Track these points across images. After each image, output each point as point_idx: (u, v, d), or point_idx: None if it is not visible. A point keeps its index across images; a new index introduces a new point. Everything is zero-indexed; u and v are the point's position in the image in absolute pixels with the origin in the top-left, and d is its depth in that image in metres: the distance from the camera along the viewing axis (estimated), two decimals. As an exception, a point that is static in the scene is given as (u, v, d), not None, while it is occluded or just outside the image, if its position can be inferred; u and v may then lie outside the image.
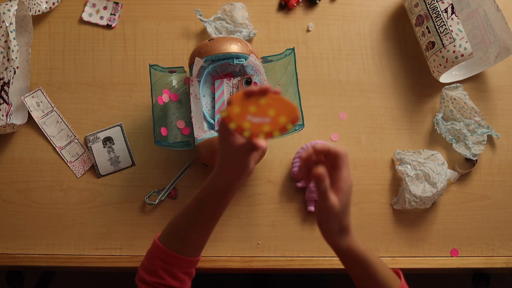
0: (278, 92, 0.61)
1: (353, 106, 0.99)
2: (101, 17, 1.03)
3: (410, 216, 0.94)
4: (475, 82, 1.00)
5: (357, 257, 0.70)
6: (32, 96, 0.98)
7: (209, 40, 0.89)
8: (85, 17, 1.03)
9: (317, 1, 1.03)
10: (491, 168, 0.96)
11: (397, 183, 0.95)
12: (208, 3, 1.03)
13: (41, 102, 0.98)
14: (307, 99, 0.98)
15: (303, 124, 0.88)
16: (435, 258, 0.92)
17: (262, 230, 0.93)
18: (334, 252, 0.70)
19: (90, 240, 0.93)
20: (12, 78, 0.91)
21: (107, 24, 1.02)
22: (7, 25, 0.92)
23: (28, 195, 0.94)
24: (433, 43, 0.93)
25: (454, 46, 0.89)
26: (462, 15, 0.97)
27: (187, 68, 0.94)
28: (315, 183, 0.63)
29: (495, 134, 0.95)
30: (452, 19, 0.90)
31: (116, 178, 0.95)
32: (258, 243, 0.93)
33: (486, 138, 0.94)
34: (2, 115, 0.91)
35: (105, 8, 1.03)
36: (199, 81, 0.90)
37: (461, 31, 0.90)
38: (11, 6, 0.93)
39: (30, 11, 0.97)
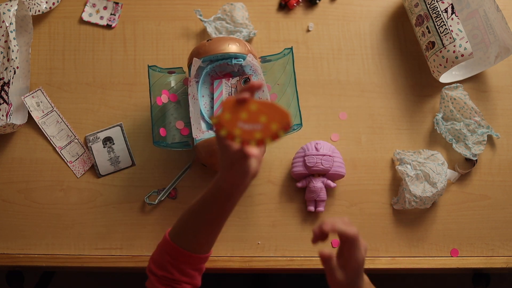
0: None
1: (353, 106, 0.99)
2: (101, 17, 1.03)
3: (410, 216, 0.94)
4: (475, 82, 1.00)
5: None
6: (32, 96, 0.98)
7: (207, 41, 0.89)
8: (85, 17, 1.03)
9: (317, 1, 1.03)
10: (491, 168, 0.96)
11: (397, 183, 0.95)
12: (208, 3, 1.03)
13: (41, 102, 0.98)
14: (307, 99, 0.98)
15: (301, 124, 0.88)
16: (435, 258, 0.92)
17: (262, 230, 0.93)
18: None
19: (90, 240, 0.93)
20: (12, 78, 0.91)
21: (107, 24, 1.02)
22: (7, 25, 0.92)
23: (28, 195, 0.94)
24: (433, 43, 0.93)
25: (454, 46, 0.89)
26: (462, 15, 0.97)
27: (186, 69, 0.94)
28: (321, 262, 0.66)
29: (495, 134, 0.95)
30: (452, 19, 0.90)
31: (116, 178, 0.95)
32: (258, 243, 0.93)
33: (486, 138, 0.94)
34: (2, 115, 0.91)
35: (105, 8, 1.03)
36: (197, 82, 0.90)
37: (461, 31, 0.90)
38: (11, 6, 0.93)
39: (30, 11, 0.97)
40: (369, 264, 0.91)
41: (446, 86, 0.95)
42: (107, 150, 0.96)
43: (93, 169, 0.96)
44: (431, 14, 0.92)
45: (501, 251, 0.93)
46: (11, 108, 0.92)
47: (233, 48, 0.87)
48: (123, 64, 1.01)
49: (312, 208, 0.92)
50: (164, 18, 1.03)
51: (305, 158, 0.90)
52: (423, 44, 0.96)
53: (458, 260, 0.92)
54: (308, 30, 1.02)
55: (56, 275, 1.35)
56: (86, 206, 0.94)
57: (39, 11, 0.99)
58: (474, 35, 0.97)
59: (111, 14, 1.03)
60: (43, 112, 0.97)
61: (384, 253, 0.93)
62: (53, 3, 1.02)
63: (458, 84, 0.95)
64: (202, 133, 0.86)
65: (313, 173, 0.91)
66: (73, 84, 1.00)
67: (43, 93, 0.98)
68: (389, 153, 0.96)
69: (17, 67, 0.92)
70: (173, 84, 0.94)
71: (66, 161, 0.96)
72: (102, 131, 0.97)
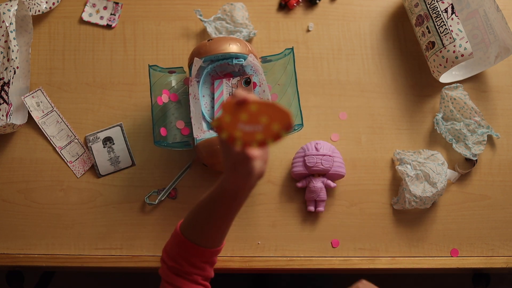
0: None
1: (353, 106, 0.99)
2: (101, 17, 1.03)
3: (410, 216, 0.94)
4: (475, 82, 1.00)
5: None
6: (32, 96, 0.98)
7: (208, 40, 0.89)
8: (85, 17, 1.03)
9: (317, 1, 1.03)
10: (491, 168, 0.96)
11: (397, 183, 0.95)
12: (208, 3, 1.03)
13: (41, 102, 0.98)
14: (307, 99, 0.98)
15: (302, 124, 0.88)
16: (435, 258, 0.92)
17: (262, 230, 0.93)
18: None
19: (90, 240, 0.93)
20: (12, 78, 0.91)
21: (107, 24, 1.02)
22: (7, 25, 0.92)
23: (28, 195, 0.94)
24: (433, 43, 0.93)
25: (454, 46, 0.89)
26: (462, 15, 0.97)
27: (186, 69, 0.94)
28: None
29: (495, 134, 0.95)
30: (452, 19, 0.90)
31: (116, 178, 0.95)
32: (258, 243, 0.93)
33: (486, 138, 0.94)
34: (2, 115, 0.91)
35: (105, 8, 1.03)
36: (198, 81, 0.90)
37: (461, 31, 0.90)
38: (11, 6, 0.93)
39: (30, 11, 0.97)
40: (369, 264, 0.91)
41: (446, 86, 0.95)
42: (107, 150, 0.96)
43: (93, 169, 0.96)
44: (431, 14, 0.92)
45: (501, 251, 0.93)
46: (11, 108, 0.92)
47: (234, 48, 0.87)
48: (123, 64, 1.01)
49: (312, 208, 0.92)
50: (164, 18, 1.03)
51: (305, 158, 0.90)
52: (423, 44, 0.96)
53: (458, 260, 0.92)
54: (308, 30, 1.02)
55: (56, 275, 1.35)
56: (86, 206, 0.94)
57: (39, 11, 0.99)
58: (474, 35, 0.97)
59: (111, 14, 1.03)
60: (43, 112, 0.97)
61: (384, 253, 0.93)
62: (53, 3, 1.02)
63: (458, 84, 0.95)
64: (203, 132, 0.86)
65: (313, 173, 0.91)
66: (73, 84, 1.00)
67: (43, 93, 0.98)
68: (389, 153, 0.96)
69: (17, 67, 0.92)
70: (173, 83, 0.94)
71: (66, 161, 0.96)
72: (102, 131, 0.97)
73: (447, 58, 0.90)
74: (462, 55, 0.89)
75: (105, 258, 0.92)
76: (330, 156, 0.90)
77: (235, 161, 0.62)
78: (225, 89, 0.90)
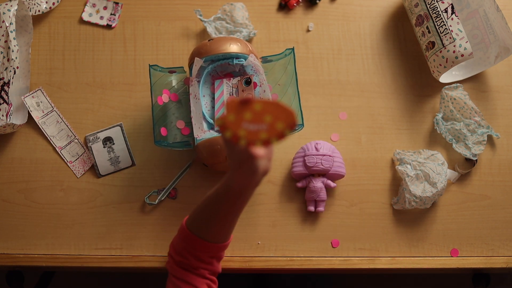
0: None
1: (353, 106, 0.99)
2: (101, 17, 1.03)
3: (410, 216, 0.94)
4: (475, 82, 1.00)
5: None
6: (32, 96, 0.98)
7: (208, 40, 0.89)
8: (85, 17, 1.03)
9: (317, 1, 1.03)
10: (491, 168, 0.96)
11: (397, 183, 0.95)
12: (208, 3, 1.03)
13: (41, 102, 0.98)
14: (307, 99, 0.98)
15: (302, 124, 0.88)
16: (435, 258, 0.92)
17: (262, 230, 0.93)
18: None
19: (90, 240, 0.93)
20: (12, 78, 0.91)
21: (107, 24, 1.02)
22: (7, 25, 0.92)
23: (28, 195, 0.94)
24: (433, 43, 0.93)
25: (454, 46, 0.89)
26: (462, 15, 0.97)
27: (187, 68, 0.94)
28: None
29: (495, 134, 0.95)
30: (452, 19, 0.90)
31: (116, 178, 0.95)
32: (258, 243, 0.93)
33: (486, 138, 0.94)
34: (2, 115, 0.91)
35: (105, 8, 1.03)
36: (198, 81, 0.90)
37: (461, 31, 0.90)
38: (11, 6, 0.93)
39: (30, 11, 0.97)
40: (369, 264, 0.91)
41: (446, 86, 0.95)
42: (107, 150, 0.96)
43: (93, 169, 0.96)
44: (431, 14, 0.92)
45: (501, 251, 0.93)
46: (11, 108, 0.92)
47: (234, 48, 0.87)
48: (123, 64, 1.01)
49: (312, 208, 0.92)
50: (164, 18, 1.03)
51: (305, 158, 0.90)
52: (423, 44, 0.96)
53: (458, 260, 0.92)
54: (308, 30, 1.02)
55: (56, 275, 1.35)
56: (86, 206, 0.94)
57: (39, 11, 0.99)
58: (474, 35, 0.97)
59: (111, 14, 1.03)
60: (43, 112, 0.97)
61: (384, 253, 0.93)
62: (53, 3, 1.02)
63: (458, 84, 0.95)
64: (203, 132, 0.86)
65: (313, 173, 0.91)
66: (73, 84, 1.00)
67: (43, 93, 0.98)
68: (389, 153, 0.96)
69: (17, 67, 0.92)
70: (174, 83, 0.94)
71: (66, 161, 0.96)
72: (102, 131, 0.97)
73: (447, 58, 0.90)
74: (462, 55, 0.89)
75: (105, 258, 0.92)
76: (330, 156, 0.90)
77: (240, 160, 0.62)
78: (225, 89, 0.90)
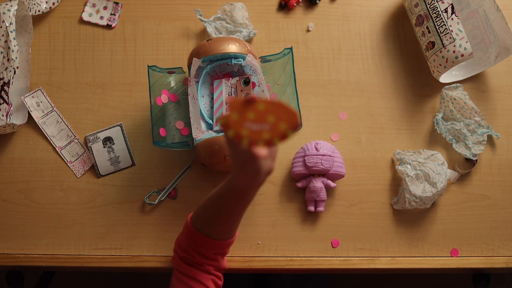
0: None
1: (353, 106, 0.99)
2: (101, 17, 1.03)
3: (410, 216, 0.94)
4: (475, 82, 1.00)
5: None
6: (32, 96, 0.98)
7: (207, 41, 0.89)
8: (85, 17, 1.03)
9: (317, 1, 1.03)
10: (491, 168, 0.96)
11: (397, 183, 0.95)
12: (208, 3, 1.03)
13: (41, 102, 0.98)
14: (307, 99, 0.98)
15: (301, 124, 0.88)
16: (435, 258, 0.92)
17: (262, 230, 0.93)
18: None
19: (90, 240, 0.93)
20: (12, 78, 0.91)
21: (107, 24, 1.02)
22: (7, 25, 0.92)
23: (28, 195, 0.94)
24: (433, 43, 0.93)
25: (454, 46, 0.89)
26: (462, 15, 0.97)
27: (186, 69, 0.94)
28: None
29: (495, 134, 0.95)
30: (452, 19, 0.90)
31: (116, 178, 0.95)
32: (258, 243, 0.93)
33: (486, 138, 0.94)
34: (2, 115, 0.91)
35: (105, 8, 1.03)
36: (197, 82, 0.90)
37: (461, 31, 0.90)
38: (11, 6, 0.93)
39: (30, 11, 0.97)
40: (369, 264, 0.91)
41: (446, 86, 0.95)
42: (107, 150, 0.96)
43: (93, 169, 0.96)
44: (431, 14, 0.92)
45: (501, 251, 0.93)
46: (11, 108, 0.92)
47: (233, 48, 0.87)
48: (123, 64, 1.01)
49: (312, 208, 0.92)
50: (164, 18, 1.03)
51: (305, 158, 0.90)
52: (423, 44, 0.96)
53: (458, 260, 0.92)
54: (308, 30, 1.02)
55: (56, 275, 1.35)
56: (86, 206, 0.94)
57: (39, 11, 0.99)
58: (474, 35, 0.97)
59: (111, 14, 1.03)
60: (43, 112, 0.97)
61: (384, 253, 0.93)
62: (53, 3, 1.02)
63: (458, 84, 0.95)
64: (202, 133, 0.86)
65: (313, 173, 0.91)
66: (73, 84, 1.00)
67: (43, 93, 0.98)
68: (389, 153, 0.96)
69: (17, 67, 0.92)
70: (173, 84, 0.94)
71: (66, 161, 0.96)
72: (102, 131, 0.97)
73: (447, 58, 0.90)
74: (462, 55, 0.89)
75: (105, 258, 0.92)
76: (330, 156, 0.90)
77: (243, 160, 0.62)
78: (224, 89, 0.90)
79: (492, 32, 0.95)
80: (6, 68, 0.92)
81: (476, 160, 0.95)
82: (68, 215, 0.94)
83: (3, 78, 0.92)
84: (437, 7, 0.92)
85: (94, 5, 1.03)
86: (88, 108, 0.98)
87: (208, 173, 0.94)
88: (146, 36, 1.02)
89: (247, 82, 0.89)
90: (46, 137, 0.96)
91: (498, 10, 0.92)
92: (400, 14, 1.03)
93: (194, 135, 0.86)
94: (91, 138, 0.96)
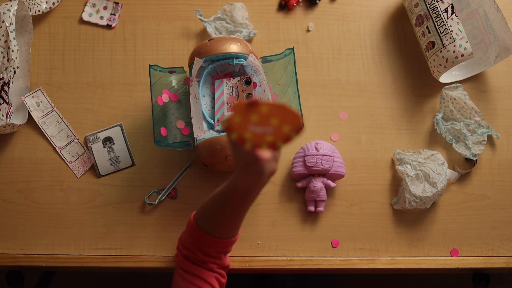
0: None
1: (353, 106, 0.99)
2: (101, 17, 1.03)
3: (410, 216, 0.94)
4: (475, 82, 1.00)
5: None
6: (32, 96, 0.98)
7: (208, 40, 0.89)
8: (85, 17, 1.03)
9: (317, 1, 1.03)
10: (491, 168, 0.96)
11: (397, 183, 0.95)
12: (208, 3, 1.03)
13: (41, 102, 0.98)
14: (307, 99, 0.98)
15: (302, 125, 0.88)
16: (435, 258, 0.92)
17: (262, 230, 0.93)
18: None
19: (90, 240, 0.93)
20: (12, 78, 0.91)
21: (107, 24, 1.02)
22: (7, 25, 0.92)
23: (28, 195, 0.94)
24: (433, 43, 0.93)
25: (454, 46, 0.89)
26: (462, 15, 0.97)
27: (187, 68, 0.94)
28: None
29: (495, 134, 0.95)
30: (452, 19, 0.90)
31: (116, 178, 0.95)
32: (258, 243, 0.93)
33: (486, 138, 0.94)
34: (2, 115, 0.91)
35: (105, 8, 1.03)
36: (198, 81, 0.90)
37: (461, 31, 0.90)
38: (11, 6, 0.93)
39: (30, 11, 0.97)
40: (369, 264, 0.91)
41: (446, 86, 0.95)
42: (107, 150, 0.96)
43: (93, 169, 0.96)
44: (431, 14, 0.92)
45: (501, 251, 0.93)
46: (11, 108, 0.92)
47: (234, 48, 0.87)
48: (123, 64, 1.01)
49: (312, 208, 0.92)
50: (164, 18, 1.03)
51: (305, 158, 0.90)
52: (423, 44, 0.96)
53: (458, 260, 0.92)
54: (308, 30, 1.02)
55: (56, 275, 1.35)
56: (86, 206, 0.94)
57: (39, 11, 0.99)
58: (474, 35, 0.97)
59: (111, 14, 1.03)
60: (43, 112, 0.97)
61: (384, 253, 0.93)
62: (53, 3, 1.02)
63: (458, 84, 0.95)
64: (203, 132, 0.86)
65: (313, 173, 0.91)
66: (73, 84, 1.00)
67: (43, 93, 0.98)
68: (389, 153, 0.96)
69: (17, 67, 0.92)
70: (174, 83, 0.94)
71: (66, 161, 0.96)
72: (102, 131, 0.97)
73: (447, 58, 0.90)
74: (462, 55, 0.89)
75: (105, 258, 0.92)
76: (330, 156, 0.90)
77: (246, 162, 0.62)
78: (225, 89, 0.90)
79: (492, 32, 0.95)
80: (6, 68, 0.92)
81: (476, 160, 0.95)
82: (68, 215, 0.94)
83: (3, 78, 0.92)
84: (437, 7, 0.92)
85: (94, 5, 1.03)
86: (88, 108, 0.98)
87: (209, 173, 0.94)
88: (146, 36, 1.02)
89: (248, 82, 0.89)
90: (46, 137, 0.96)
91: (498, 10, 0.92)
92: (400, 14, 1.03)
93: (195, 135, 0.86)
94: (91, 138, 0.96)
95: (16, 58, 0.92)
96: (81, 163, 0.96)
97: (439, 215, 0.94)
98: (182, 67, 0.94)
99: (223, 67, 0.91)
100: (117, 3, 1.03)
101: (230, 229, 0.78)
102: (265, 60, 0.93)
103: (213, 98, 0.91)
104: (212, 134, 0.86)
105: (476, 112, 0.94)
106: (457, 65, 0.91)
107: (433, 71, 0.96)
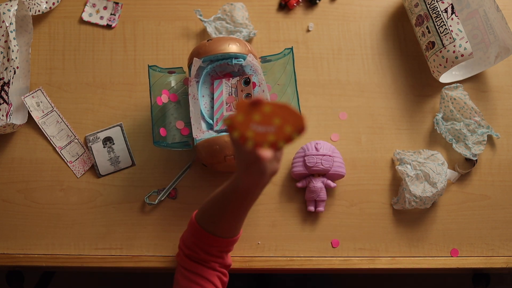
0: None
1: (353, 106, 0.99)
2: (101, 17, 1.03)
3: (410, 216, 0.94)
4: (475, 82, 1.00)
5: None
6: (32, 96, 0.98)
7: (207, 40, 0.89)
8: (85, 17, 1.03)
9: (317, 1, 1.03)
10: (491, 168, 0.96)
11: (397, 183, 0.95)
12: (208, 3, 1.03)
13: (41, 102, 0.98)
14: (307, 99, 0.98)
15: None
16: (435, 258, 0.92)
17: (262, 230, 0.93)
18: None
19: (90, 240, 0.93)
20: (12, 78, 0.91)
21: (107, 24, 1.02)
22: (7, 25, 0.92)
23: (28, 195, 0.94)
24: (433, 43, 0.93)
25: (454, 46, 0.89)
26: (462, 15, 0.97)
27: (186, 69, 0.94)
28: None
29: (495, 134, 0.95)
30: (452, 19, 0.90)
31: (116, 178, 0.95)
32: (258, 243, 0.93)
33: (486, 138, 0.94)
34: (2, 115, 0.91)
35: (105, 8, 1.03)
36: (197, 82, 0.90)
37: (461, 31, 0.90)
38: (11, 6, 0.93)
39: (30, 11, 0.97)
40: (369, 264, 0.91)
41: (446, 86, 0.95)
42: (107, 150, 0.96)
43: (93, 169, 0.96)
44: (431, 14, 0.92)
45: (501, 251, 0.93)
46: (11, 108, 0.92)
47: (233, 48, 0.87)
48: (123, 64, 1.01)
49: (312, 208, 0.92)
50: (164, 18, 1.03)
51: (305, 158, 0.90)
52: (423, 44, 0.96)
53: (458, 260, 0.92)
54: (308, 30, 1.02)
55: (56, 275, 1.35)
56: (86, 206, 0.94)
57: (39, 11, 0.99)
58: (474, 35, 0.97)
59: (111, 14, 1.03)
60: (43, 112, 0.97)
61: (384, 253, 0.93)
62: (53, 3, 1.02)
63: (458, 84, 0.95)
64: (202, 133, 0.86)
65: (313, 173, 0.91)
66: (73, 84, 1.00)
67: (43, 93, 0.98)
68: (389, 153, 0.96)
69: (17, 67, 0.92)
70: (173, 84, 0.94)
71: (66, 161, 0.96)
72: (102, 131, 0.97)
73: (447, 58, 0.90)
74: (462, 55, 0.89)
75: (105, 258, 0.92)
76: (330, 156, 0.90)
77: (247, 161, 0.62)
78: (224, 89, 0.90)
79: (492, 32, 0.95)
80: (6, 68, 0.92)
81: (476, 160, 0.95)
82: (68, 215, 0.94)
83: (3, 78, 0.92)
84: (437, 7, 0.92)
85: (94, 5, 1.03)
86: (88, 108, 0.98)
87: (208, 173, 0.94)
88: (146, 36, 1.02)
89: (247, 82, 0.89)
90: (46, 137, 0.96)
91: (498, 10, 0.92)
92: (400, 14, 1.03)
93: (194, 135, 0.86)
94: (91, 138, 0.96)
95: (16, 58, 0.92)
96: (81, 163, 0.96)
97: (439, 215, 0.94)
98: (181, 67, 0.94)
99: (222, 67, 0.91)
100: (117, 3, 1.03)
101: (231, 229, 0.78)
102: (264, 60, 0.93)
103: (212, 98, 0.91)
104: (211, 134, 0.86)
105: (476, 112, 0.94)
106: (457, 65, 0.91)
107: (433, 71, 0.96)
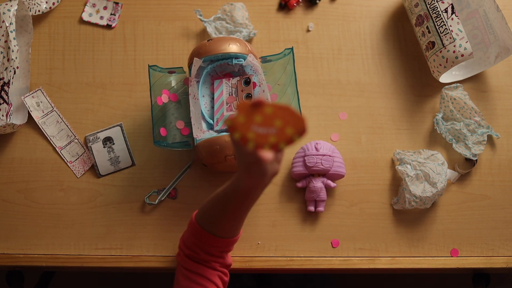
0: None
1: (353, 106, 0.99)
2: (101, 17, 1.03)
3: (410, 216, 0.94)
4: (475, 82, 1.00)
5: None
6: (32, 96, 0.98)
7: (208, 40, 0.89)
8: (85, 17, 1.03)
9: (317, 1, 1.03)
10: (491, 168, 0.96)
11: (397, 183, 0.95)
12: (208, 3, 1.03)
13: (41, 102, 0.98)
14: (307, 99, 0.98)
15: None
16: (435, 258, 0.92)
17: (262, 230, 0.93)
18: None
19: (90, 240, 0.93)
20: (12, 78, 0.91)
21: (107, 24, 1.02)
22: (7, 25, 0.92)
23: (28, 195, 0.94)
24: (433, 43, 0.93)
25: (454, 46, 0.89)
26: (462, 15, 0.97)
27: (186, 69, 0.94)
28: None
29: (495, 134, 0.95)
30: (452, 19, 0.90)
31: (116, 178, 0.95)
32: (258, 243, 0.93)
33: (486, 138, 0.94)
34: (2, 115, 0.91)
35: (105, 8, 1.03)
36: (197, 82, 0.90)
37: (461, 31, 0.90)
38: (11, 6, 0.93)
39: (30, 11, 0.97)
40: (369, 264, 0.91)
41: (446, 86, 0.95)
42: (107, 150, 0.96)
43: (93, 169, 0.96)
44: (431, 14, 0.92)
45: (501, 251, 0.93)
46: (11, 108, 0.92)
47: (233, 48, 0.87)
48: (123, 64, 1.01)
49: (312, 208, 0.92)
50: (164, 18, 1.03)
51: (305, 158, 0.90)
52: (423, 44, 0.96)
53: (458, 260, 0.92)
54: (308, 30, 1.02)
55: (56, 275, 1.35)
56: (86, 206, 0.94)
57: (39, 11, 0.99)
58: (474, 35, 0.97)
59: (111, 14, 1.03)
60: (43, 112, 0.97)
61: (384, 253, 0.93)
62: (53, 3, 1.02)
63: (458, 84, 0.95)
64: (202, 133, 0.86)
65: (313, 173, 0.91)
66: (73, 84, 1.00)
67: (43, 93, 0.98)
68: (389, 153, 0.96)
69: (17, 67, 0.92)
70: (173, 84, 0.94)
71: (66, 161, 0.96)
72: (102, 131, 0.97)
73: (447, 58, 0.90)
74: (462, 55, 0.89)
75: (105, 258, 0.92)
76: (330, 156, 0.90)
77: (248, 162, 0.62)
78: (224, 89, 0.90)
79: (492, 32, 0.95)
80: (6, 68, 0.92)
81: (476, 160, 0.95)
82: (68, 215, 0.94)
83: (3, 78, 0.92)
84: (437, 7, 0.92)
85: (94, 5, 1.03)
86: (88, 108, 0.98)
87: (208, 173, 0.95)
88: (146, 36, 1.02)
89: (247, 82, 0.89)
90: (46, 137, 0.96)
91: (498, 10, 0.92)
92: (400, 14, 1.03)
93: (195, 135, 0.86)
94: (91, 138, 0.96)
95: (16, 58, 0.92)
96: (81, 163, 0.96)
97: (439, 215, 0.94)
98: (182, 67, 0.94)
99: (223, 67, 0.91)
100: (117, 3, 1.03)
101: (231, 229, 0.78)
102: (264, 60, 0.93)
103: (213, 98, 0.91)
104: (211, 134, 0.86)
105: (476, 112, 0.94)
106: (457, 65, 0.91)
107: (433, 71, 0.96)
